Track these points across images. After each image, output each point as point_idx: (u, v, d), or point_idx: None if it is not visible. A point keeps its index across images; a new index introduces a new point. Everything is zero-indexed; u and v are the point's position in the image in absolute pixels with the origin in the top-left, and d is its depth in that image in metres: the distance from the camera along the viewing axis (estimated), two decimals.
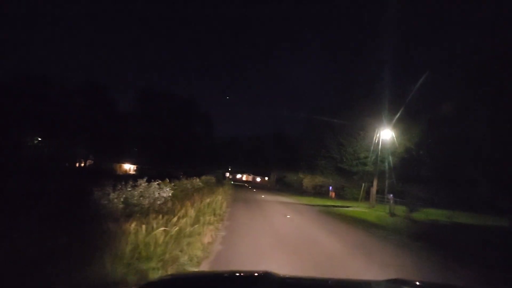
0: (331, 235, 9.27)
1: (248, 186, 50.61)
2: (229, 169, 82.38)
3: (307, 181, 38.91)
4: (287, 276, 2.23)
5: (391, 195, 19.54)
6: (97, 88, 41.04)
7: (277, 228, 9.58)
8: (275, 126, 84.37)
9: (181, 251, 5.88)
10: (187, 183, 22.64)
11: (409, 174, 19.19)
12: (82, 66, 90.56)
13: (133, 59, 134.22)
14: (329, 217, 14.71)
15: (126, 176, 41.45)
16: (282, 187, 51.79)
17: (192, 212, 8.42)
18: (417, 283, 1.93)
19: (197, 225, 8.31)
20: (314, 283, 2.17)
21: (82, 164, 43.73)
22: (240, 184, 58.46)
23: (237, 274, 2.37)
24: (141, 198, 9.70)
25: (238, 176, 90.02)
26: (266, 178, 73.79)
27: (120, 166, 51.44)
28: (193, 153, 50.10)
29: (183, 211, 8.82)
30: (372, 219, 16.02)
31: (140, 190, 10.67)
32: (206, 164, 53.96)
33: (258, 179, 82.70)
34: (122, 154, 45.80)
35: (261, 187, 51.57)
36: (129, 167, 52.53)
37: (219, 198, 15.28)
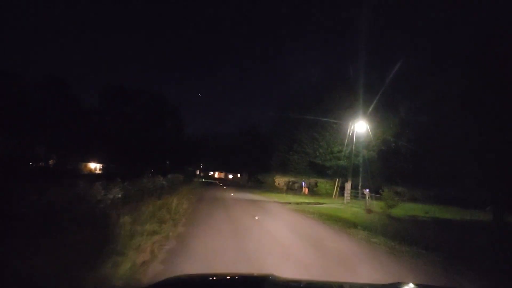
0: (306, 241, 7.72)
1: (220, 184, 48.71)
2: (201, 167, 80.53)
3: (280, 177, 37.60)
4: (290, 279, 2.47)
5: (367, 190, 18.51)
6: (59, 83, 38.34)
7: (242, 235, 7.89)
8: (247, 123, 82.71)
9: (95, 281, 4.06)
10: (147, 182, 20.55)
11: (387, 168, 18.13)
12: (43, 60, 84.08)
13: (100, 54, 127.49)
14: (303, 217, 13.25)
15: (90, 175, 39.10)
16: (254, 184, 50.69)
17: (126, 219, 6.58)
18: (418, 286, 2.07)
19: (139, 237, 6.51)
20: (318, 286, 2.23)
21: (44, 164, 40.52)
22: (211, 182, 56.60)
23: (241, 276, 2.47)
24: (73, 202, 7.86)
25: (211, 173, 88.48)
26: (239, 175, 72.39)
27: (86, 166, 48.73)
28: (162, 150, 47.81)
29: (124, 218, 6.99)
30: (348, 216, 14.77)
31: (77, 191, 8.88)
32: (175, 162, 51.89)
33: (231, 176, 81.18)
34: (87, 152, 43.05)
35: (233, 185, 49.81)
36: (95, 167, 49.88)
37: (178, 199, 13.45)
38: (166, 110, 51.65)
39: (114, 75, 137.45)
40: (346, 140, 25.19)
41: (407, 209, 17.47)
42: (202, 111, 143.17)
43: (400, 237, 9.21)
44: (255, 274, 3.23)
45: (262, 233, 8.41)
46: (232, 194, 24.55)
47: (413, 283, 1.95)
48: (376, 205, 18.32)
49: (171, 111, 53.23)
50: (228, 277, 2.29)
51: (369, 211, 17.27)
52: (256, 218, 11.19)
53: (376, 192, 20.02)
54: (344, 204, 21.30)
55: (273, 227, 9.50)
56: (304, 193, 32.28)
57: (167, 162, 49.32)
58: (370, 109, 20.76)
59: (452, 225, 14.03)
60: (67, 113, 37.74)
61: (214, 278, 2.21)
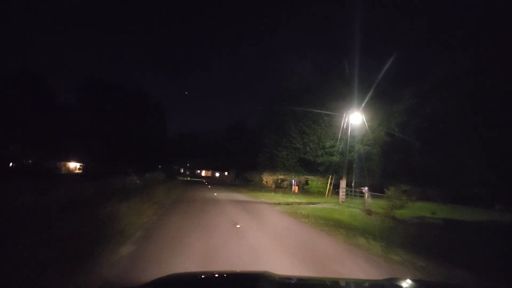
0: (306, 264, 5.45)
1: (205, 183, 46.24)
2: (188, 165, 78.40)
3: (268, 175, 35.35)
4: (285, 276, 2.48)
5: (366, 188, 16.43)
6: (34, 78, 35.68)
7: (215, 258, 5.55)
8: (234, 120, 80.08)
9: None
10: (115, 182, 18.11)
11: (390, 162, 15.91)
12: (17, 54, 79.15)
13: (79, 49, 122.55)
14: (295, 222, 11.02)
15: (68, 175, 36.79)
16: (242, 182, 48.86)
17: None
18: (413, 281, 1.97)
19: None
20: (312, 283, 2.19)
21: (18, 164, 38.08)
22: (197, 180, 54.20)
23: (236, 274, 2.52)
24: None
25: (197, 171, 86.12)
26: (226, 174, 70.18)
27: (65, 165, 46.38)
28: (144, 148, 45.46)
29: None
30: (348, 219, 12.66)
31: None
32: (159, 160, 49.64)
33: (218, 175, 78.92)
34: (66, 151, 40.82)
35: (219, 183, 47.47)
36: (75, 166, 47.57)
37: (141, 203, 11.04)
38: (148, 106, 49.43)
39: (94, 72, 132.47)
40: (340, 134, 23.16)
41: (410, 209, 15.46)
42: (189, 109, 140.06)
43: (423, 249, 7.12)
44: (250, 271, 3.35)
45: (243, 252, 6.10)
46: (215, 194, 22.15)
47: (409, 278, 2.03)
48: (375, 205, 16.32)
49: (153, 107, 51.01)
50: (224, 275, 2.20)
51: (369, 212, 15.22)
52: (238, 226, 8.86)
53: (374, 190, 18.08)
54: (339, 204, 19.23)
55: (259, 241, 7.20)
56: (294, 191, 30.13)
57: (149, 160, 46.82)
58: (368, 97, 18.66)
59: (471, 229, 12.04)
60: (43, 110, 35.63)
61: (209, 276, 2.18)
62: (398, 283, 1.86)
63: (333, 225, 10.56)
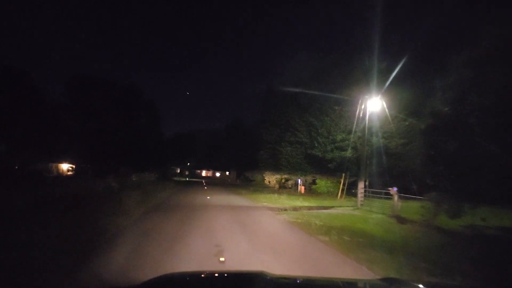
0: None
1: (203, 183, 43.02)
2: (188, 165, 75.89)
3: (270, 174, 31.91)
4: (282, 275, 2.41)
5: (395, 189, 13.02)
6: (21, 75, 32.82)
7: None
8: (234, 117, 76.73)
9: None
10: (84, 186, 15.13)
11: (435, 155, 12.53)
12: (3, 50, 76.01)
13: (69, 46, 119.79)
14: (311, 241, 7.60)
15: (59, 177, 34.06)
16: (243, 182, 46.08)
17: None
18: (413, 281, 1.90)
19: None
20: (309, 282, 2.14)
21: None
22: (195, 181, 51.31)
23: (233, 274, 2.43)
24: None
25: (198, 171, 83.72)
26: (227, 173, 67.33)
27: (57, 167, 43.55)
28: (137, 147, 42.59)
29: None
30: (378, 231, 9.36)
31: None
32: (153, 160, 46.80)
33: (218, 175, 76.21)
34: (57, 152, 38.05)
35: (218, 183, 44.26)
36: (67, 167, 44.84)
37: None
38: (140, 104, 46.50)
39: (88, 71, 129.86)
40: (354, 125, 19.80)
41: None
42: (188, 109, 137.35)
43: None
44: (246, 271, 3.35)
45: None
46: (208, 197, 18.71)
47: (408, 278, 1.95)
48: (404, 210, 12.92)
49: (147, 105, 48.04)
50: (220, 274, 2.19)
51: (400, 219, 11.83)
52: (222, 259, 5.41)
53: (403, 190, 14.72)
54: (358, 208, 15.83)
55: None
56: (301, 192, 26.69)
57: (143, 161, 43.96)
58: (394, 73, 15.25)
59: None
60: (32, 108, 32.82)
61: (205, 275, 2.13)
62: (397, 283, 1.81)
63: (366, 244, 7.22)
